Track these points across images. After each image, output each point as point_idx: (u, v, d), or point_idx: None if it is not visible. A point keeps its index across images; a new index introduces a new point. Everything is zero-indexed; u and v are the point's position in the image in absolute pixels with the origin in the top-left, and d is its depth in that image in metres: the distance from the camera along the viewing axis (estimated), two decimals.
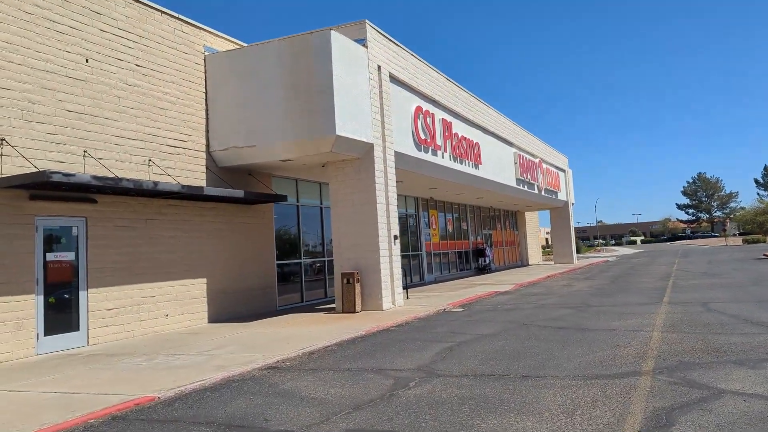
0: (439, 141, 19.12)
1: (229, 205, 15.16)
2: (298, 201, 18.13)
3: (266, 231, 16.37)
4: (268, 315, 15.06)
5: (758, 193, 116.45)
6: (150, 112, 13.21)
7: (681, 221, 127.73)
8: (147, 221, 12.93)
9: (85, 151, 11.69)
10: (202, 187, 13.24)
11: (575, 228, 72.98)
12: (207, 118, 14.78)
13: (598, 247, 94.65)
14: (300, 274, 17.95)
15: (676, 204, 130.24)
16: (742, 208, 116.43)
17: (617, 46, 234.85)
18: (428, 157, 18.36)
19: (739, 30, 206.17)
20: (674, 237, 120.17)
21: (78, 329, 11.36)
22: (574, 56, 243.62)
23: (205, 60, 14.83)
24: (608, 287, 18.79)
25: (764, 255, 34.86)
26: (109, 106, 12.31)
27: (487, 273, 31.08)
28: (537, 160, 31.24)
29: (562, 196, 37.14)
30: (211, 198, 14.09)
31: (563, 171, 38.29)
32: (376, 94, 15.47)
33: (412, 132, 17.50)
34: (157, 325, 12.78)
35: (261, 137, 14.15)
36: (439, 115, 19.48)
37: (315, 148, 13.86)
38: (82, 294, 11.48)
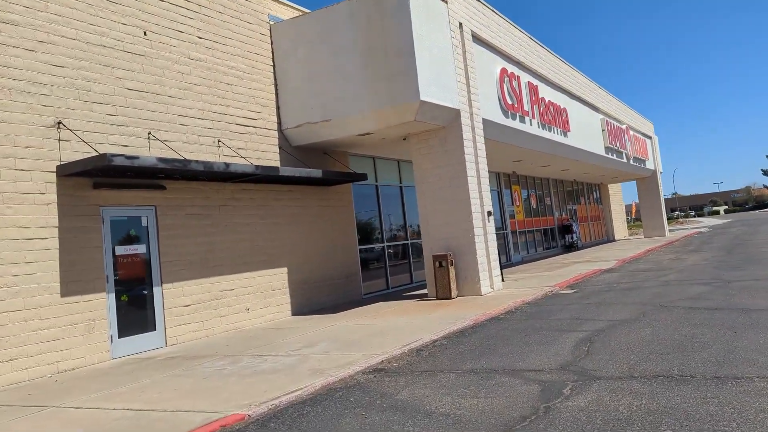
0: (526, 106, 17.28)
1: (306, 187, 13.92)
2: (376, 181, 16.74)
3: (346, 214, 15.07)
4: (354, 305, 13.78)
5: None
6: (216, 88, 12.06)
7: (767, 187, 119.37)
8: (220, 208, 11.82)
9: (149, 133, 10.64)
10: (277, 167, 12.01)
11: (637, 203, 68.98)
12: (277, 93, 13.54)
13: (680, 219, 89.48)
14: (384, 259, 16.60)
15: (762, 170, 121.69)
16: None
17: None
18: (516, 124, 16.57)
19: None
20: (762, 205, 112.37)
21: (154, 329, 10.36)
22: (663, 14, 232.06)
23: (270, 30, 13.56)
24: (729, 259, 16.53)
25: None
26: (172, 83, 11.21)
27: (575, 250, 28.93)
28: (624, 127, 28.72)
29: (649, 164, 34.34)
30: (287, 180, 12.87)
31: (649, 138, 35.40)
32: (460, 54, 13.82)
33: (498, 97, 15.75)
34: (238, 321, 11.69)
35: (336, 110, 12.79)
36: (525, 78, 17.61)
37: (397, 117, 12.38)
38: (156, 290, 10.47)
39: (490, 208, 14.01)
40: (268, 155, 13.02)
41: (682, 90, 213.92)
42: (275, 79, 13.54)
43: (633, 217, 58.64)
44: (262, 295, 12.31)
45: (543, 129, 18.52)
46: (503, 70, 16.09)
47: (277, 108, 13.48)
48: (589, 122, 23.69)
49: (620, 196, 42.26)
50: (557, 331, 8.25)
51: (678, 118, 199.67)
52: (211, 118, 11.84)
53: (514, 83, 16.63)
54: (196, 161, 10.36)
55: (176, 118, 11.17)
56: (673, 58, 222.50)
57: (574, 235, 29.88)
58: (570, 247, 29.79)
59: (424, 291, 15.12)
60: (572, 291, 12.80)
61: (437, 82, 12.55)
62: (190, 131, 11.38)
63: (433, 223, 13.65)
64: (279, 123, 13.46)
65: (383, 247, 16.60)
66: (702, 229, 40.87)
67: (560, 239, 29.94)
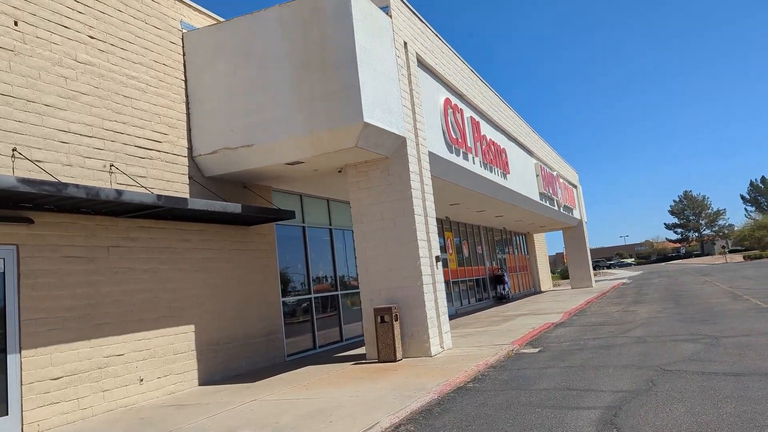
0: (470, 143, 15.82)
1: (221, 226, 11.56)
2: (303, 222, 14.57)
3: (268, 259, 12.76)
4: (277, 369, 11.37)
5: (746, 209, 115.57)
6: (110, 100, 9.68)
7: (670, 241, 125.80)
8: (110, 249, 9.27)
9: (14, 150, 8.10)
10: (186, 199, 9.64)
11: (560, 253, 69.91)
12: (188, 113, 11.28)
13: (596, 271, 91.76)
14: (310, 312, 14.27)
15: (665, 224, 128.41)
16: (731, 225, 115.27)
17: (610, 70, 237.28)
18: (460, 161, 15.00)
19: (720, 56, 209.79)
20: (664, 258, 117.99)
21: (6, 412, 7.58)
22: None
23: (183, 39, 11.39)
24: (685, 311, 15.41)
25: None
26: (51, 88, 8.76)
27: (507, 302, 27.59)
28: (555, 173, 28.13)
29: (576, 213, 34.04)
30: (198, 216, 10.51)
31: (575, 187, 35.28)
32: (405, 76, 12.15)
33: (443, 129, 14.16)
34: (128, 396, 9.02)
35: (262, 133, 10.67)
36: (468, 112, 16.22)
37: (334, 142, 10.41)
38: (12, 359, 7.73)
39: (438, 252, 12.15)
40: (175, 186, 10.64)
41: (599, 137, 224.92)
42: (187, 96, 11.30)
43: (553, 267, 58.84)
44: (161, 360, 9.71)
45: (485, 169, 17.11)
46: (447, 101, 14.58)
47: (189, 130, 11.19)
48: (525, 166, 22.69)
49: (545, 247, 41.94)
50: (556, 409, 6.30)
51: (595, 170, 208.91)
52: (102, 136, 9.42)
53: (458, 116, 15.15)
54: (76, 186, 7.90)
55: (54, 133, 8.69)
56: (589, 100, 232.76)
57: (506, 286, 28.60)
58: (501, 299, 28.45)
59: (360, 351, 12.92)
60: (537, 350, 11.01)
61: (382, 104, 10.74)
62: (72, 151, 8.90)
63: (373, 270, 11.59)
64: (190, 148, 11.16)
65: (310, 298, 14.31)
66: (624, 281, 40.96)
67: (491, 290, 28.56)
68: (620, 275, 57.35)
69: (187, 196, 10.69)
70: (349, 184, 11.94)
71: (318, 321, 14.44)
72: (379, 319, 11.05)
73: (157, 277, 9.95)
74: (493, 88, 19.35)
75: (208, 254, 11.11)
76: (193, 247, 10.83)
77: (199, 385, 10.38)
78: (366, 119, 10.03)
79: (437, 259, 11.99)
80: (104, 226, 9.24)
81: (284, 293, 13.31)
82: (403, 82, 11.95)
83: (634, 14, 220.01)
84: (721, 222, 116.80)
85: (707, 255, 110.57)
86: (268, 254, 12.79)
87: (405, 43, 12.30)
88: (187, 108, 11.27)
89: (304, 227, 14.55)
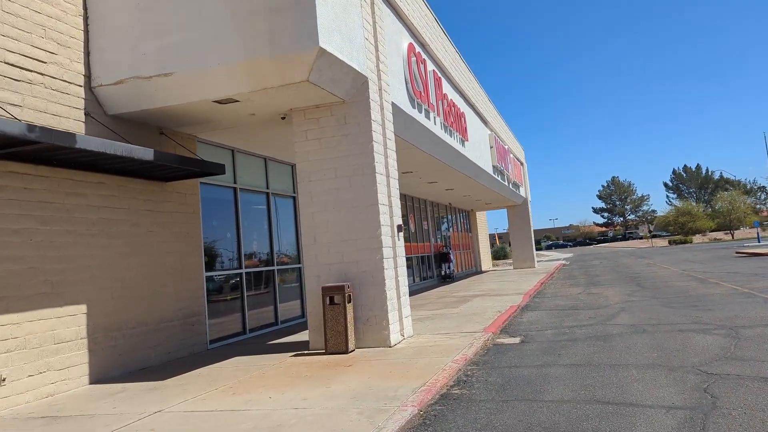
0: (432, 99, 13.76)
1: (128, 180, 9.05)
2: (235, 182, 12.15)
3: (189, 225, 10.33)
4: (196, 361, 9.06)
5: (668, 196, 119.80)
6: None
7: (597, 225, 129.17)
8: None
9: None
10: (73, 135, 7.11)
11: (492, 234, 69.62)
12: (87, 30, 8.65)
13: None
14: (241, 290, 11.94)
15: (592, 208, 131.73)
16: (654, 211, 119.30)
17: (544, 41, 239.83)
18: (422, 118, 12.92)
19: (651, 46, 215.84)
20: (591, 241, 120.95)
21: None
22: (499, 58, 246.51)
23: None
24: (657, 295, 14.04)
25: (737, 253, 32.07)
26: None
27: (451, 282, 26.00)
28: (506, 147, 26.58)
29: (522, 191, 32.79)
30: (95, 163, 8.02)
31: (522, 164, 34.00)
32: (368, 4, 9.90)
33: (405, 78, 12.02)
34: None
35: (184, 58, 8.20)
36: (430, 66, 14.13)
37: (280, 74, 8.08)
38: None
39: (399, 221, 10.08)
40: (66, 123, 8.05)
41: (537, 126, 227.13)
42: (85, 8, 8.66)
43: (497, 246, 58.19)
44: (35, 353, 7.22)
45: (445, 132, 15.13)
46: (411, 47, 12.43)
47: (87, 53, 8.57)
48: (481, 136, 20.90)
49: (486, 225, 40.75)
50: None
51: (530, 154, 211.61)
52: None
53: (421, 67, 13.03)
54: None
55: None
56: (548, 86, 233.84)
57: (450, 265, 26.96)
58: (446, 278, 26.82)
59: (298, 337, 10.78)
60: (517, 340, 9.16)
61: (342, 30, 8.48)
62: None
63: (322, 240, 9.39)
64: (88, 76, 8.55)
65: (240, 274, 11.96)
66: (563, 262, 40.34)
67: (436, 268, 26.88)
68: (555, 257, 57.35)
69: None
70: (294, 134, 9.63)
71: (249, 300, 12.13)
72: (327, 301, 8.90)
73: (33, 241, 7.40)
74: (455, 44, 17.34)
75: (108, 214, 8.60)
76: (89, 204, 8.30)
77: (90, 383, 7.95)
78: (322, 44, 7.75)
79: (399, 228, 9.93)
80: None
81: (209, 267, 10.93)
82: (365, 11, 9.70)
83: (575, 12, 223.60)
84: (644, 207, 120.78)
85: (629, 239, 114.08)
86: (190, 219, 10.35)
87: None
88: (86, 24, 8.63)
89: (235, 189, 12.13)
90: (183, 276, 9.99)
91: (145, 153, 8.04)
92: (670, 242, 72.45)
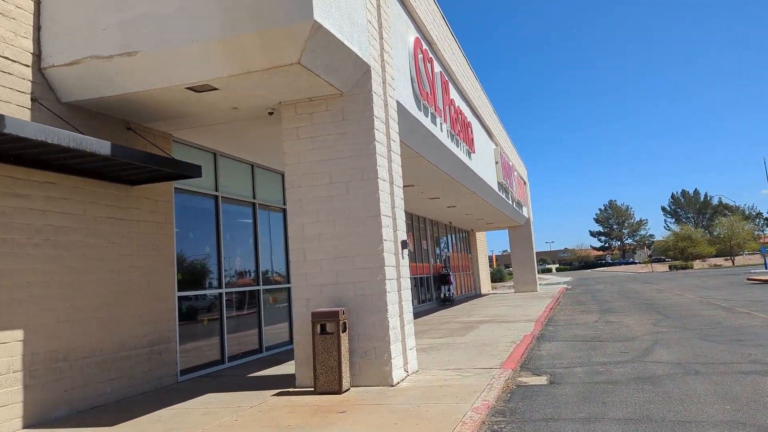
0: (439, 102, 12.43)
1: (84, 181, 7.62)
2: (217, 189, 10.72)
3: (160, 236, 8.87)
4: (159, 400, 7.54)
5: (665, 220, 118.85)
6: None
7: (594, 248, 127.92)
8: None
9: None
10: (1, 116, 5.70)
11: (489, 255, 68.23)
12: (38, 0, 7.28)
13: None
14: (220, 312, 10.44)
15: (590, 231, 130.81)
16: (651, 236, 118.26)
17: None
18: (428, 123, 11.58)
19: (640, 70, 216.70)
20: (589, 265, 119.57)
21: None
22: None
23: None
24: (687, 325, 12.61)
25: (749, 279, 30.73)
26: None
27: (451, 305, 24.50)
28: (511, 164, 25.29)
29: (525, 211, 31.44)
30: (40, 156, 6.59)
31: (525, 183, 32.71)
32: None
33: (411, 75, 10.69)
34: None
35: (151, 34, 6.82)
36: (437, 67, 12.83)
37: (266, 53, 6.71)
38: None
39: (404, 236, 8.65)
40: (6, 109, 6.63)
41: (536, 146, 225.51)
42: None
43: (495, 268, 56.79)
44: None
45: (452, 141, 13.79)
46: (417, 42, 11.12)
47: (37, 27, 7.19)
48: (486, 149, 19.58)
49: (486, 246, 39.35)
50: None
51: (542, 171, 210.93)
52: None
53: (428, 66, 11.72)
54: None
55: None
56: (545, 109, 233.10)
57: (450, 287, 25.49)
58: (446, 301, 25.33)
59: (286, 369, 9.28)
60: (544, 380, 7.69)
61: (341, 5, 7.13)
62: None
63: (314, 257, 7.94)
64: (37, 55, 7.16)
65: (220, 294, 10.48)
66: (565, 286, 38.88)
67: (435, 291, 25.39)
68: (554, 280, 55.94)
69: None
70: (283, 131, 8.23)
71: (230, 324, 10.63)
72: (318, 329, 7.43)
73: None
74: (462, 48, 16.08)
75: (57, 220, 7.15)
76: (32, 207, 6.86)
77: (24, 427, 6.44)
78: (317, 17, 6.39)
79: (404, 244, 8.49)
80: None
81: (183, 286, 9.46)
82: None
83: (565, 32, 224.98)
84: (642, 232, 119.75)
85: (628, 263, 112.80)
86: (161, 229, 8.90)
87: None
88: None
89: (217, 197, 10.70)
90: (150, 296, 8.51)
91: (101, 146, 6.62)
92: (670, 267, 71.20)
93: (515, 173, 26.55)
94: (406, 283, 8.53)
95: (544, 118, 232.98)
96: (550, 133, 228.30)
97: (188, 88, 7.32)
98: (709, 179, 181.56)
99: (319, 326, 7.44)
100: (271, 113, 8.50)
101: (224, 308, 10.47)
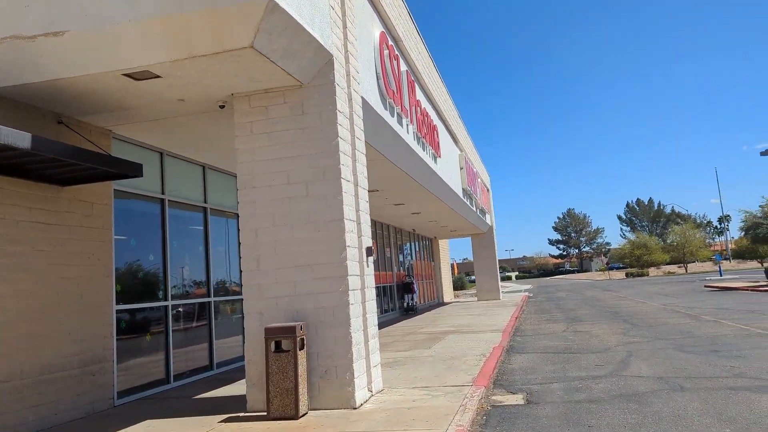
0: (405, 103, 11.78)
1: (5, 180, 6.68)
2: (164, 192, 9.82)
3: (97, 243, 7.94)
4: (91, 429, 6.62)
5: (621, 229, 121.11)
6: None
7: (553, 256, 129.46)
8: None
9: None
10: None
11: (452, 264, 68.05)
12: None
13: None
14: (165, 327, 9.52)
15: (548, 239, 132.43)
16: (608, 244, 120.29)
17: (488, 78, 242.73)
18: (394, 123, 10.91)
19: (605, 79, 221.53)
20: (548, 272, 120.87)
21: None
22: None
23: None
24: (658, 335, 12.23)
25: (707, 287, 31.02)
26: None
27: (414, 314, 23.86)
28: (476, 170, 24.87)
29: (488, 219, 31.10)
30: None
31: (488, 190, 32.40)
32: None
33: (377, 71, 10.01)
34: None
35: (81, 10, 5.94)
36: (403, 65, 12.19)
37: (214, 35, 5.92)
38: None
39: (369, 242, 7.94)
40: None
41: (495, 157, 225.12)
42: None
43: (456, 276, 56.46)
44: None
45: (418, 144, 13.16)
46: (383, 37, 10.47)
47: None
48: (451, 155, 19.04)
49: (448, 254, 38.94)
50: None
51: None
52: None
53: (394, 64, 11.08)
54: None
55: None
56: (505, 116, 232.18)
57: (414, 296, 24.87)
58: (409, 310, 24.68)
59: (237, 388, 8.43)
60: (521, 399, 7.05)
61: None
62: None
63: (268, 265, 7.16)
64: None
65: (165, 306, 9.56)
66: (526, 294, 38.72)
67: (399, 300, 24.72)
68: (515, 288, 55.99)
69: None
70: (236, 126, 7.44)
71: (176, 339, 9.72)
72: (272, 346, 6.65)
73: None
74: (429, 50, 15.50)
75: None
76: None
77: None
78: None
79: (368, 251, 7.78)
80: None
81: (123, 298, 8.53)
82: None
83: (518, 54, 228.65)
84: (599, 240, 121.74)
85: (585, 271, 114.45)
86: (98, 235, 7.98)
87: None
88: None
89: (164, 201, 9.79)
90: (84, 310, 7.58)
91: (19, 138, 5.72)
92: (627, 275, 72.18)
93: (479, 180, 26.14)
94: (371, 294, 7.81)
95: (503, 125, 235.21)
96: (509, 139, 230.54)
97: (126, 75, 6.47)
98: (662, 189, 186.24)
99: (273, 343, 6.65)
100: (222, 106, 7.70)
101: (170, 322, 9.55)
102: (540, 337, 13.42)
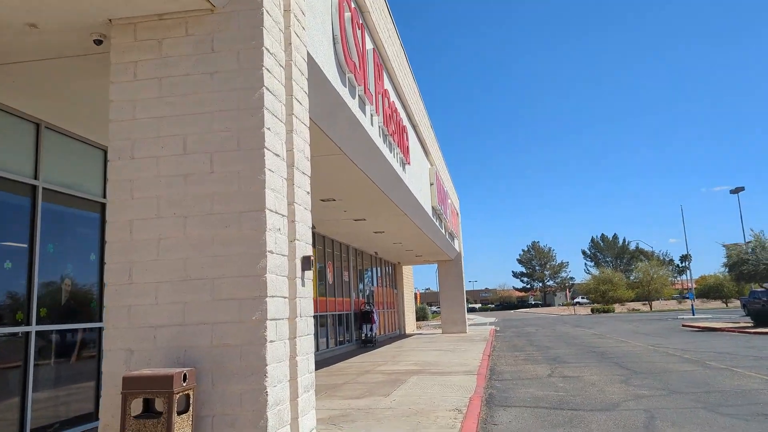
0: (370, 86, 9.48)
1: None
2: (36, 177, 7.25)
3: None
4: None
5: (585, 264, 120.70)
6: None
7: (517, 289, 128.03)
8: None
9: None
10: None
11: (415, 293, 65.96)
12: None
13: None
14: (23, 361, 6.86)
15: (512, 272, 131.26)
16: (572, 278, 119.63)
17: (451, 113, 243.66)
18: (354, 106, 8.57)
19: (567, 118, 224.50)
20: (511, 305, 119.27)
21: None
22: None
23: None
24: (669, 386, 10.03)
25: (684, 326, 29.30)
26: None
27: (373, 347, 21.35)
28: (446, 189, 22.70)
29: (456, 245, 28.90)
30: None
31: (457, 214, 30.27)
32: None
33: (334, 34, 7.70)
34: None
35: None
36: (369, 43, 9.94)
37: None
38: None
39: (308, 250, 5.51)
40: None
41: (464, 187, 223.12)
42: None
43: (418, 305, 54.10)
44: None
45: (384, 142, 10.85)
46: None
47: None
48: (421, 167, 16.82)
49: (412, 281, 36.57)
50: None
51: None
52: None
53: (358, 35, 8.80)
54: None
55: None
56: (472, 143, 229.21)
57: (374, 326, 22.34)
58: (367, 342, 22.13)
59: None
60: None
61: None
62: None
63: (145, 278, 4.66)
64: None
65: (27, 334, 6.92)
66: (493, 327, 36.45)
67: (356, 330, 22.16)
68: (480, 320, 53.91)
69: None
70: (113, 68, 4.99)
71: (42, 377, 7.07)
72: (134, 407, 4.13)
73: None
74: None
75: None
76: None
77: None
78: None
79: (305, 262, 5.34)
80: None
81: None
82: None
83: (485, 85, 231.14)
84: (563, 274, 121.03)
85: (549, 305, 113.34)
86: None
87: None
88: None
89: (35, 188, 7.22)
90: None
91: None
92: (593, 310, 70.78)
93: (449, 200, 23.99)
94: (307, 326, 5.35)
95: (472, 155, 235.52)
96: (476, 171, 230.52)
97: None
98: (626, 225, 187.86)
99: (136, 402, 4.14)
100: (99, 42, 5.25)
101: (31, 354, 6.90)
102: (523, 383, 11.08)
